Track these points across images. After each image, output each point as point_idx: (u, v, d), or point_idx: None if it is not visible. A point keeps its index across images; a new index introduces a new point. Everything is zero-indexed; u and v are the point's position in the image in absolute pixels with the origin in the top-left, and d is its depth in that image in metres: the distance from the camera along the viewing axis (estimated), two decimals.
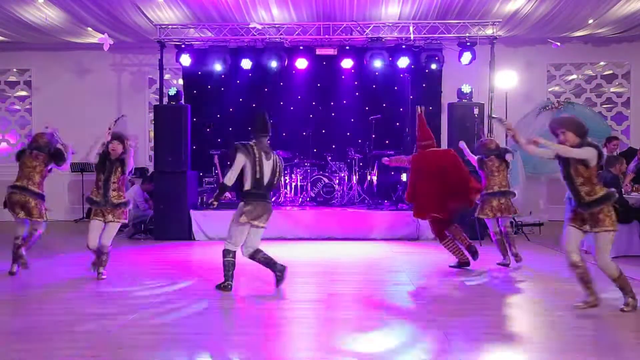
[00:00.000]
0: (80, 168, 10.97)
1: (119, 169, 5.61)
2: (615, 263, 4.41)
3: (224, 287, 5.20)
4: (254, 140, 5.17)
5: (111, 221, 5.63)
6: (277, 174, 5.20)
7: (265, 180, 5.11)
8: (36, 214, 5.81)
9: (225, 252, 5.20)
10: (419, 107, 6.60)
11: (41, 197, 5.86)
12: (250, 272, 6.10)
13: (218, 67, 9.69)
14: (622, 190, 7.12)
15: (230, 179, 5.08)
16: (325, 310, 4.61)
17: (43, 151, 5.83)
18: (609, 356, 3.51)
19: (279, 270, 5.28)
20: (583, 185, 4.31)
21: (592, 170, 4.30)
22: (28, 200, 5.76)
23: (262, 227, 5.21)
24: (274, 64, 9.57)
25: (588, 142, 4.32)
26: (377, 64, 9.54)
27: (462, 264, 6.32)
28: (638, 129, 11.06)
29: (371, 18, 9.45)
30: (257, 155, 5.05)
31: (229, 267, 5.21)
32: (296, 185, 9.71)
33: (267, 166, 5.12)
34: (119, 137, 5.65)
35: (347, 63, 9.89)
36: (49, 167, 5.95)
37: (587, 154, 4.27)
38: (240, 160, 5.04)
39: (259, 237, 5.29)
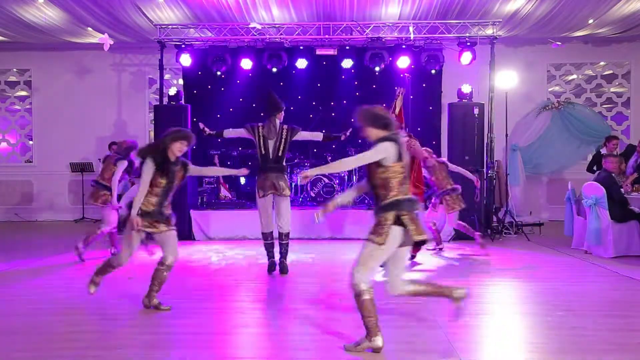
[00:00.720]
0: (80, 168, 10.99)
1: (181, 173, 4.75)
2: (368, 283, 3.47)
3: (268, 265, 5.95)
4: (261, 123, 5.85)
5: (167, 230, 4.82)
6: (282, 146, 5.82)
7: (271, 155, 5.80)
8: (100, 201, 6.73)
9: (262, 236, 5.93)
10: (399, 88, 6.84)
11: (106, 187, 6.73)
12: (249, 272, 6.11)
13: (218, 67, 9.69)
14: (622, 189, 7.14)
15: (225, 132, 6.01)
16: (325, 310, 4.61)
17: (120, 154, 6.82)
18: (609, 356, 3.51)
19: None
20: (378, 189, 3.53)
21: (389, 169, 3.49)
22: (96, 190, 6.80)
23: (282, 195, 5.78)
24: (274, 64, 9.58)
25: (386, 136, 3.53)
26: (377, 64, 9.54)
27: None
28: (638, 129, 11.06)
29: (371, 18, 9.45)
30: (260, 135, 5.81)
31: (267, 248, 5.94)
32: (296, 185, 9.71)
33: (271, 143, 5.81)
34: (186, 137, 4.60)
35: (347, 63, 9.88)
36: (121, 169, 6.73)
37: (380, 153, 3.48)
38: (241, 130, 5.93)
39: (285, 207, 5.88)
